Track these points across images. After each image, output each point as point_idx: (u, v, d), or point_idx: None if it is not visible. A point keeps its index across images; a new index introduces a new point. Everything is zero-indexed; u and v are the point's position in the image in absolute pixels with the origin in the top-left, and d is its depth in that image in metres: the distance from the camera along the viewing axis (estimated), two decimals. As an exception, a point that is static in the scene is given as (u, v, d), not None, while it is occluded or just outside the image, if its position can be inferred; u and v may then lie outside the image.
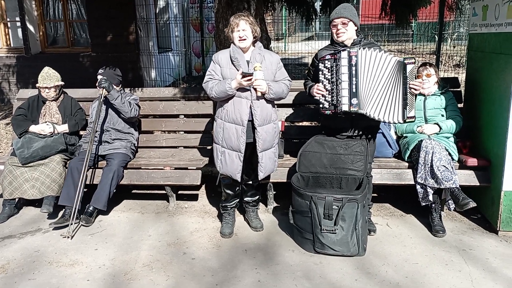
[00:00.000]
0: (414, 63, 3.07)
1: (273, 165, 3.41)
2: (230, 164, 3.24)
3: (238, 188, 3.47)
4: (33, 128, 3.97)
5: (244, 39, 3.16)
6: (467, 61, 4.16)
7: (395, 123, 3.17)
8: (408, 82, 3.04)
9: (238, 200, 3.58)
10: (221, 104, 3.26)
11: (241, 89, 3.15)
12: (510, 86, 3.18)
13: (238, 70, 3.11)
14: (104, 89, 3.79)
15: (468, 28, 4.40)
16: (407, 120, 3.11)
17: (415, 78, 3.09)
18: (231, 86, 3.09)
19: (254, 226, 3.56)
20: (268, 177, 3.52)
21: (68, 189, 3.64)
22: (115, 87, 3.94)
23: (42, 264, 3.11)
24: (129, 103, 3.92)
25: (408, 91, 3.06)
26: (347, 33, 3.16)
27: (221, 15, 4.70)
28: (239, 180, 3.31)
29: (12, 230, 3.66)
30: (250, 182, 3.51)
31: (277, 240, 3.39)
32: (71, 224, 3.48)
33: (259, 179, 3.40)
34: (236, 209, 3.67)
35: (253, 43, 3.25)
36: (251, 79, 3.05)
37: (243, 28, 3.14)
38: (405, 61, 3.03)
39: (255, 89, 3.12)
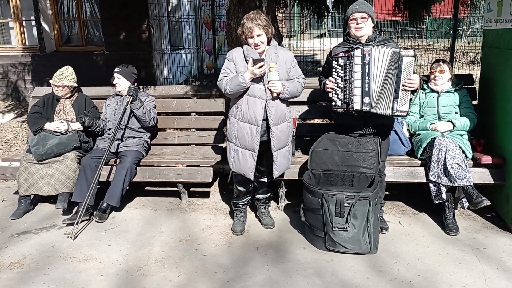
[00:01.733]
0: (413, 56, 3.02)
1: (287, 163, 3.42)
2: (244, 162, 3.25)
3: (250, 185, 3.47)
4: (48, 125, 4.02)
5: (260, 45, 3.13)
6: (481, 57, 4.10)
7: (385, 115, 3.10)
8: (402, 75, 3.01)
9: (250, 197, 3.59)
10: (235, 102, 3.26)
11: (256, 88, 3.14)
12: (526, 82, 3.13)
13: None
14: (131, 97, 3.85)
15: (483, 24, 4.33)
16: (396, 113, 3.05)
17: (413, 73, 3.04)
18: (244, 78, 3.08)
19: (266, 223, 3.57)
20: (282, 175, 3.52)
21: (81, 186, 3.69)
22: (138, 96, 3.98)
23: (57, 259, 3.16)
24: (149, 112, 3.97)
25: (400, 84, 3.02)
26: (366, 28, 3.13)
27: (233, 13, 4.71)
28: (252, 179, 3.31)
29: (28, 226, 3.73)
30: (262, 180, 3.51)
31: (288, 237, 3.40)
32: (77, 223, 3.51)
33: (274, 178, 3.41)
34: (247, 206, 3.69)
35: (268, 41, 3.22)
36: (263, 65, 3.04)
37: (257, 34, 3.08)
38: (401, 53, 3.00)
39: (270, 90, 3.13)
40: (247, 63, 3.15)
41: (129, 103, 3.86)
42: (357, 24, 3.12)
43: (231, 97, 3.28)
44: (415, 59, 3.04)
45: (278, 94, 3.15)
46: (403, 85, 3.02)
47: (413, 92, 3.11)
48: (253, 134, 3.17)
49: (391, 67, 3.03)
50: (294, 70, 3.30)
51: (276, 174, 3.34)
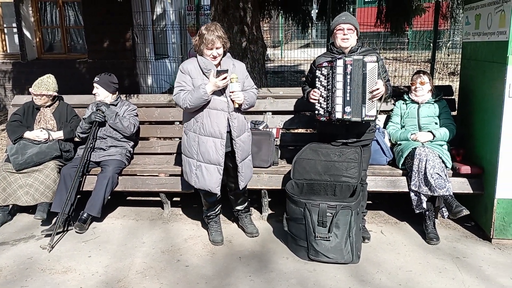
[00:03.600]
0: (376, 62, 3.08)
1: (251, 172, 3.43)
2: (208, 178, 3.18)
3: (218, 195, 3.37)
4: (28, 134, 3.96)
5: (217, 57, 3.12)
6: (460, 69, 4.19)
7: (355, 121, 3.14)
8: (367, 81, 3.07)
9: (220, 205, 3.54)
10: (192, 116, 3.18)
11: (217, 101, 3.11)
12: (503, 94, 3.21)
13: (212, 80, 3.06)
14: (101, 111, 3.86)
15: (462, 36, 4.45)
16: (365, 119, 3.11)
17: (377, 78, 3.11)
18: (206, 91, 3.02)
19: (250, 232, 3.55)
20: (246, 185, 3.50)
21: (60, 196, 3.63)
22: (112, 107, 3.97)
23: (35, 271, 3.09)
24: (122, 119, 3.93)
25: (367, 90, 3.08)
26: (351, 39, 3.20)
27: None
28: (218, 193, 3.26)
29: (6, 237, 3.64)
30: (236, 191, 3.48)
31: (271, 247, 3.39)
32: (53, 234, 3.43)
33: (240, 188, 3.36)
34: (221, 215, 3.65)
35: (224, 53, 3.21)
36: (226, 77, 3.03)
37: (217, 46, 3.07)
38: (364, 59, 3.07)
39: (232, 101, 3.12)
40: (204, 75, 3.12)
41: (98, 116, 3.86)
42: (344, 34, 3.18)
43: (188, 111, 3.18)
44: (379, 64, 3.13)
45: (240, 105, 3.15)
46: (370, 93, 3.08)
47: (379, 99, 3.17)
48: (217, 147, 3.13)
49: (360, 74, 3.09)
50: (247, 80, 3.32)
51: (242, 185, 3.31)
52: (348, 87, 3.11)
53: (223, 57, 3.18)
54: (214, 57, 3.11)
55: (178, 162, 4.19)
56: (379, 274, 2.98)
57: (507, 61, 3.15)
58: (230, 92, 3.11)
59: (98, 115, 3.84)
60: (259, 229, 3.63)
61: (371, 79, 3.09)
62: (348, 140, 3.35)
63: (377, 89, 3.09)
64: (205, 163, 3.17)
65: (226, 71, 3.04)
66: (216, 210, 3.51)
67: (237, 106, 3.14)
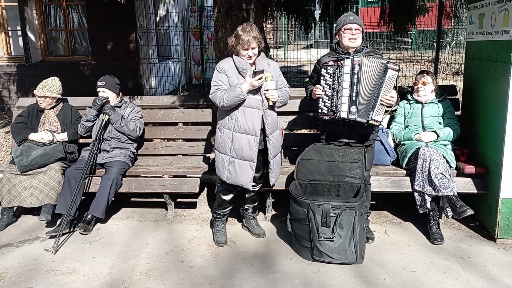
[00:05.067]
0: (398, 70, 3.10)
1: (280, 169, 3.50)
2: (241, 173, 3.24)
3: (234, 194, 3.45)
4: (32, 136, 3.98)
5: (252, 57, 3.19)
6: (464, 69, 4.18)
7: (360, 121, 3.15)
8: (383, 86, 3.07)
9: (231, 207, 3.56)
10: (227, 113, 3.24)
11: (252, 99, 3.17)
12: (507, 93, 3.19)
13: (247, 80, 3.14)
14: (106, 115, 3.90)
15: (465, 36, 4.43)
16: (370, 122, 3.12)
17: (394, 88, 3.12)
18: (243, 90, 3.10)
19: (258, 233, 3.56)
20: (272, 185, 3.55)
21: (65, 198, 3.64)
22: (116, 109, 3.99)
23: (39, 272, 3.10)
24: (128, 122, 3.95)
25: (380, 94, 3.08)
26: (358, 40, 3.22)
27: (221, 24, 4.75)
28: (250, 188, 3.34)
29: (10, 238, 3.66)
30: (252, 189, 3.50)
31: (275, 248, 3.39)
32: (58, 237, 3.45)
33: (271, 185, 3.46)
34: (228, 217, 3.67)
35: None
36: (262, 77, 3.09)
37: (253, 47, 3.15)
38: (388, 65, 3.07)
39: (267, 99, 3.18)
40: (240, 74, 3.18)
41: (104, 120, 3.89)
42: (352, 34, 3.19)
43: (224, 109, 3.24)
44: (398, 75, 3.13)
45: (274, 103, 3.21)
46: (381, 100, 3.09)
47: (388, 107, 3.17)
48: (251, 144, 3.19)
49: (377, 78, 3.09)
50: (281, 79, 3.38)
51: (272, 181, 3.41)
52: (355, 87, 3.10)
53: (257, 56, 3.25)
54: (250, 57, 3.18)
55: (182, 163, 4.20)
56: (383, 275, 2.97)
57: (511, 60, 3.13)
58: (265, 91, 3.17)
59: (107, 110, 3.89)
60: (263, 230, 3.63)
61: (387, 85, 3.09)
62: (350, 140, 3.35)
63: (391, 97, 3.10)
64: (239, 159, 3.23)
65: (262, 71, 3.11)
66: (225, 210, 3.53)
67: (271, 104, 3.21)
